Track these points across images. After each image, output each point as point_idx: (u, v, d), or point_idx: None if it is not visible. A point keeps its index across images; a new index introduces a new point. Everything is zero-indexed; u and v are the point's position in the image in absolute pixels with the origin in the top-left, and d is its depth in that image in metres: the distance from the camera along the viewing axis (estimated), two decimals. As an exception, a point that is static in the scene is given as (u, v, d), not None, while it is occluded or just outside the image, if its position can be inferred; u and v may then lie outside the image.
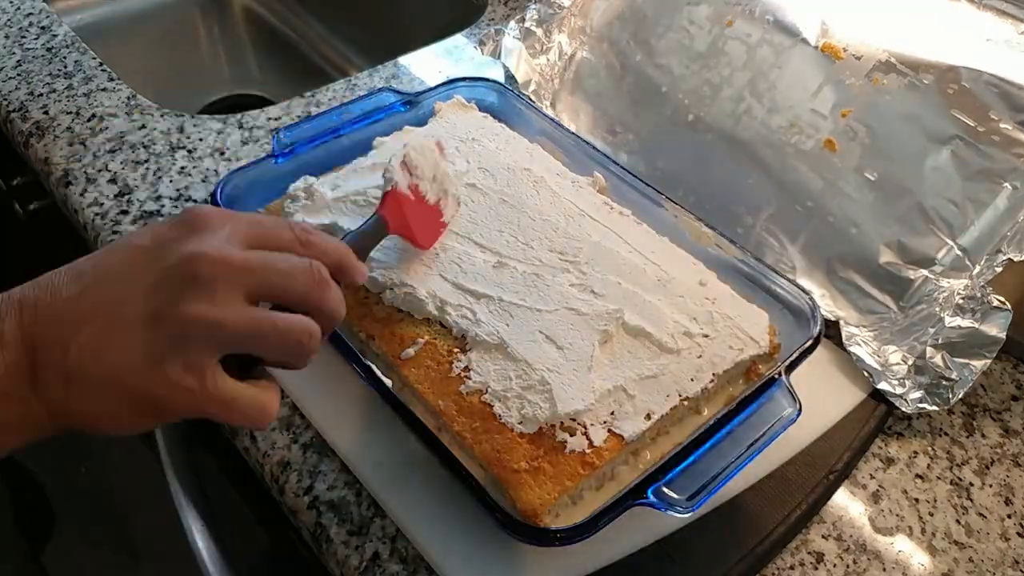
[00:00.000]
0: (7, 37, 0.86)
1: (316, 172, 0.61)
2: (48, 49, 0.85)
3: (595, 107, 0.75)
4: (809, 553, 0.49)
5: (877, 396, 0.56)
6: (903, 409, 0.55)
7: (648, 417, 0.47)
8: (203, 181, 0.70)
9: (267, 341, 0.35)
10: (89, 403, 0.33)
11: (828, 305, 0.60)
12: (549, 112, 0.75)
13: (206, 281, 0.33)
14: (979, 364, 0.54)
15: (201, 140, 0.74)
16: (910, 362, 0.55)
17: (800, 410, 0.47)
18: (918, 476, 0.54)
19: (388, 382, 0.48)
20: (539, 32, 0.79)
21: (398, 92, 0.68)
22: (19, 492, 1.19)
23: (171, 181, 0.70)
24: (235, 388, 0.34)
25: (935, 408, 0.54)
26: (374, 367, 0.49)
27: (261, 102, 1.05)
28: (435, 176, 0.53)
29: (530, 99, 0.74)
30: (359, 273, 0.41)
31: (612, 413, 0.47)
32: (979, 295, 0.54)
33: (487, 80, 0.71)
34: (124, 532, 1.14)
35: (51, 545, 1.14)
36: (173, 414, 0.34)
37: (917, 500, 0.52)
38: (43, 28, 0.88)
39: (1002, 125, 0.56)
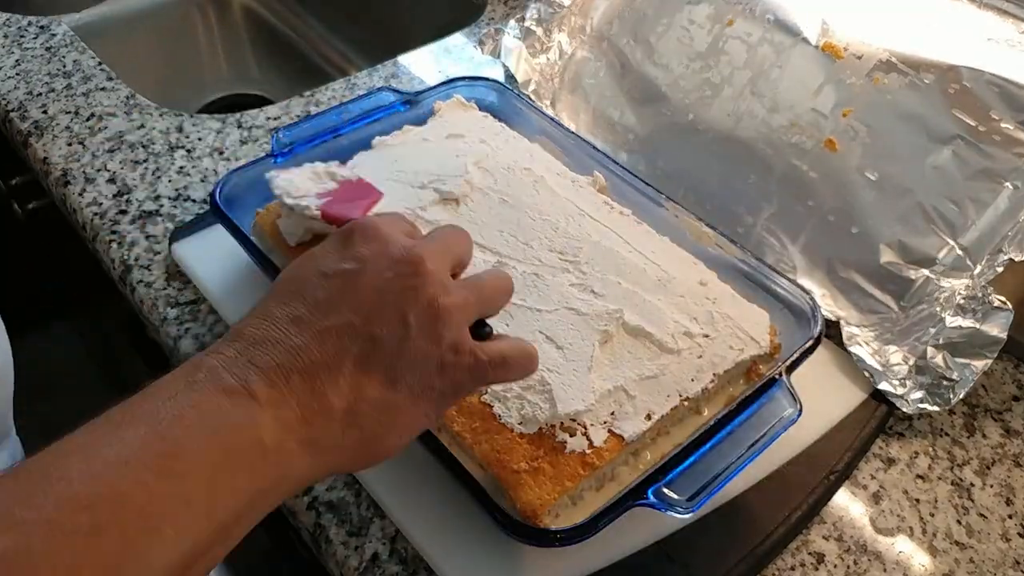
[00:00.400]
0: (6, 36, 0.86)
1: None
2: (47, 48, 0.85)
3: (595, 106, 0.75)
4: (810, 554, 0.49)
5: (878, 396, 0.56)
6: (904, 409, 0.55)
7: (648, 417, 0.47)
8: (202, 181, 0.70)
9: (489, 299, 0.38)
10: (377, 429, 0.34)
11: (829, 305, 0.60)
12: (549, 111, 0.75)
13: (436, 276, 0.36)
14: (980, 364, 0.54)
15: (200, 140, 0.74)
16: (911, 362, 0.55)
17: (801, 410, 0.47)
18: (919, 476, 0.54)
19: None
20: (539, 31, 0.79)
21: (398, 91, 0.68)
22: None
23: (170, 181, 0.70)
24: (497, 346, 0.37)
25: (936, 408, 0.54)
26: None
27: (260, 101, 1.05)
28: (314, 176, 0.55)
29: (530, 98, 0.73)
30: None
31: (612, 413, 0.47)
32: (980, 295, 0.54)
33: (487, 79, 0.70)
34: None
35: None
36: (461, 398, 0.37)
37: (918, 500, 0.52)
38: (42, 27, 0.88)
39: (1003, 125, 0.56)
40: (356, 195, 0.55)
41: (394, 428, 0.34)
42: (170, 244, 0.63)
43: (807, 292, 0.54)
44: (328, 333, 0.33)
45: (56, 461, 0.28)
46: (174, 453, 0.29)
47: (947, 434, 0.56)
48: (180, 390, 0.31)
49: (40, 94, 0.78)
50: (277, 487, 0.32)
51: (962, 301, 0.54)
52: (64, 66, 0.82)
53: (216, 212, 0.57)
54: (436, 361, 0.35)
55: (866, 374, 0.56)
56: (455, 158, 0.61)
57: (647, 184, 0.61)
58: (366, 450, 0.34)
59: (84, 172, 0.70)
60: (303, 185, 0.54)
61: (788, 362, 0.49)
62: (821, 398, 0.53)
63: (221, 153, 0.73)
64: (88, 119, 0.76)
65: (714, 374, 0.49)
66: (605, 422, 0.46)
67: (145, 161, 0.71)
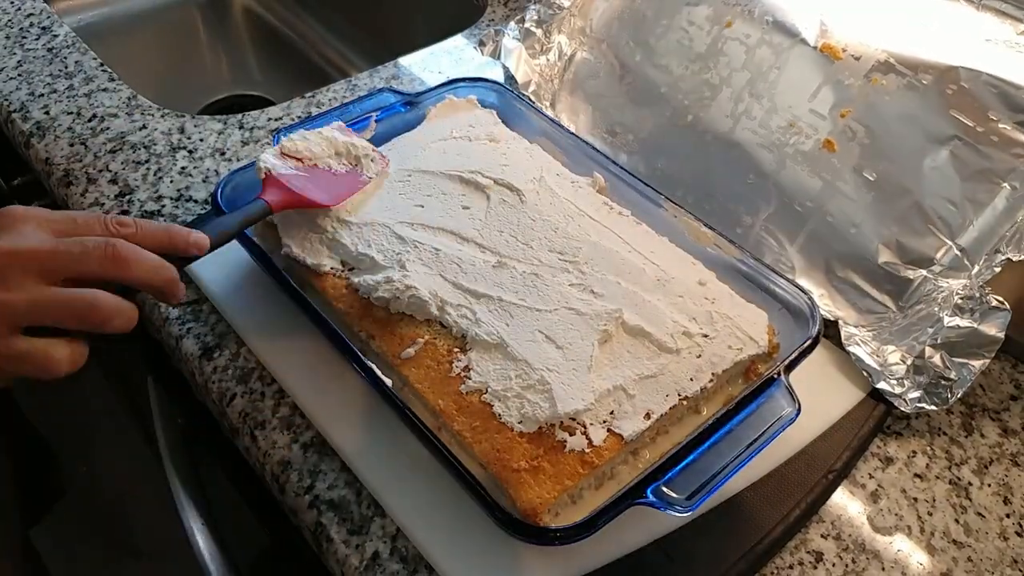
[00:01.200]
0: (8, 38, 0.87)
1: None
2: (49, 49, 0.85)
3: (595, 107, 0.75)
4: (808, 552, 0.49)
5: (876, 396, 0.56)
6: (902, 409, 0.55)
7: (647, 416, 0.47)
8: (204, 181, 0.70)
9: (52, 312, 0.40)
10: None
11: (827, 305, 0.60)
12: (549, 112, 0.76)
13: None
14: (978, 364, 0.54)
15: (202, 140, 0.74)
16: (909, 362, 0.55)
17: (799, 410, 0.47)
18: (917, 475, 0.54)
19: (388, 382, 0.48)
20: (539, 33, 0.79)
21: (398, 92, 0.68)
22: (19, 492, 1.19)
23: (172, 181, 0.70)
24: (26, 344, 0.40)
25: (934, 408, 0.54)
26: (374, 367, 0.49)
27: (262, 102, 1.05)
28: (338, 151, 0.59)
29: (530, 99, 0.74)
30: (193, 245, 0.46)
31: (612, 412, 0.47)
32: (978, 295, 0.54)
33: (487, 80, 0.71)
34: (124, 531, 1.14)
35: (51, 544, 1.14)
36: None
37: (916, 499, 0.53)
38: (44, 28, 0.88)
39: (1001, 125, 0.56)
40: (328, 188, 0.57)
41: None
42: (172, 244, 0.63)
43: (805, 292, 0.54)
44: None
45: None
46: None
47: (945, 433, 0.57)
48: None
49: (42, 95, 0.78)
50: None
51: (960, 301, 0.55)
52: (66, 67, 0.82)
53: (218, 212, 0.57)
54: None
55: (864, 374, 0.56)
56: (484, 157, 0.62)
57: (646, 184, 0.61)
58: None
59: (86, 173, 0.71)
60: (314, 150, 0.58)
61: (786, 362, 0.49)
62: (819, 397, 0.53)
63: (223, 154, 0.73)
64: (90, 120, 0.76)
65: (713, 374, 0.50)
66: (604, 421, 0.46)
67: (147, 162, 0.72)
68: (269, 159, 0.56)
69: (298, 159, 0.57)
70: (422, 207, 0.58)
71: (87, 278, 0.41)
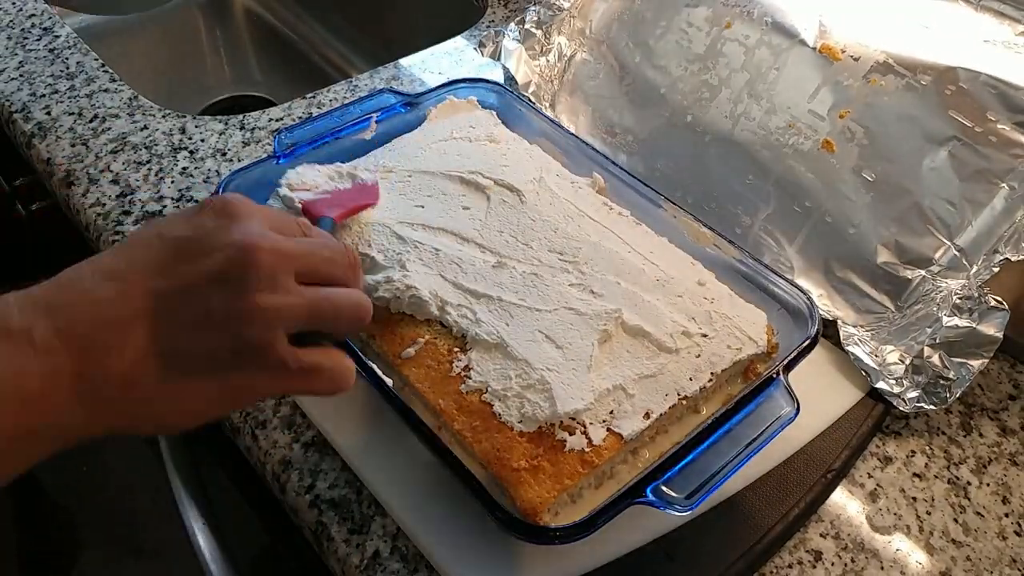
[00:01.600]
0: (9, 39, 0.87)
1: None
2: (50, 50, 0.85)
3: (594, 108, 0.75)
4: (807, 551, 0.50)
5: (875, 395, 0.56)
6: (901, 408, 0.55)
7: (647, 416, 0.47)
8: (205, 182, 0.70)
9: (327, 314, 0.36)
10: (156, 404, 0.33)
11: (826, 305, 0.60)
12: (548, 113, 0.76)
13: (268, 270, 0.34)
14: (976, 364, 0.54)
15: (203, 141, 0.75)
16: (908, 361, 0.55)
17: (798, 409, 0.47)
18: (916, 475, 0.54)
19: (389, 381, 0.48)
20: (539, 34, 0.80)
21: (399, 93, 0.68)
22: (21, 492, 1.19)
23: (173, 182, 0.70)
24: (315, 356, 0.36)
25: (933, 407, 0.54)
26: (375, 367, 0.49)
27: (262, 103, 1.05)
28: (330, 176, 0.57)
29: (530, 100, 0.74)
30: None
31: (611, 412, 0.47)
32: (976, 295, 0.54)
33: (487, 81, 0.71)
34: (125, 530, 1.14)
35: (52, 544, 1.14)
36: (256, 399, 0.35)
37: (915, 499, 0.53)
38: (45, 29, 0.89)
39: (999, 126, 0.56)
40: (356, 198, 0.56)
41: (173, 406, 0.33)
42: (173, 245, 0.63)
43: (804, 292, 0.54)
44: (134, 293, 0.33)
45: None
46: None
47: (944, 433, 0.57)
48: None
49: (43, 95, 0.79)
50: (45, 433, 0.32)
51: (958, 301, 0.55)
52: (67, 68, 0.83)
53: (219, 213, 0.57)
54: (228, 353, 0.33)
55: (863, 373, 0.56)
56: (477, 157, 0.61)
57: (646, 185, 0.61)
58: (145, 417, 0.33)
59: (87, 173, 0.71)
60: (314, 180, 0.56)
61: (785, 361, 0.49)
62: (818, 397, 0.53)
63: (224, 154, 0.73)
64: (91, 120, 0.76)
65: (712, 373, 0.50)
66: (604, 421, 0.46)
67: (148, 162, 0.72)
68: (292, 194, 0.54)
69: (307, 189, 0.56)
70: (422, 207, 0.58)
71: (326, 283, 0.37)
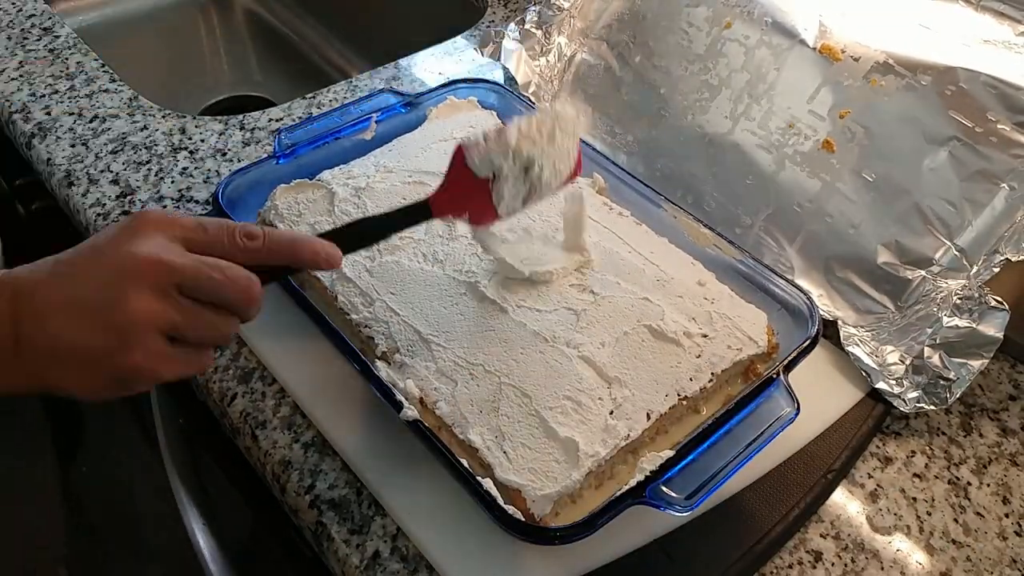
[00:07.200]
0: (9, 39, 0.87)
1: (317, 173, 0.61)
2: (50, 50, 0.85)
3: (594, 108, 0.75)
4: (807, 552, 0.50)
5: (875, 396, 0.56)
6: (901, 408, 0.55)
7: (647, 416, 0.47)
8: (205, 182, 0.70)
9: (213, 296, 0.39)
10: (65, 378, 0.38)
11: (826, 305, 0.60)
12: (549, 113, 0.76)
13: (143, 280, 0.38)
14: (976, 364, 0.54)
15: (203, 141, 0.74)
16: (908, 362, 0.55)
17: (798, 409, 0.47)
18: (916, 475, 0.54)
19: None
20: (539, 34, 0.80)
21: (399, 93, 0.68)
22: (24, 493, 1.19)
23: (173, 182, 0.70)
24: (181, 353, 0.39)
25: (933, 407, 0.54)
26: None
27: (262, 103, 1.05)
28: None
29: (530, 100, 0.74)
30: (324, 261, 0.43)
31: (611, 412, 0.47)
32: (976, 295, 0.54)
33: (487, 81, 0.71)
34: (125, 530, 1.14)
35: (53, 544, 1.14)
36: (143, 387, 0.39)
37: (915, 499, 0.53)
38: (45, 30, 0.89)
39: (1000, 126, 0.56)
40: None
41: (66, 366, 0.38)
42: (173, 245, 0.63)
43: (805, 292, 0.54)
44: (59, 266, 0.39)
45: None
46: None
47: (944, 433, 0.57)
48: None
49: (43, 96, 0.79)
50: None
51: (959, 301, 0.55)
52: (68, 68, 0.83)
53: (219, 213, 0.57)
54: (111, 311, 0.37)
55: (863, 373, 0.56)
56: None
57: (646, 185, 0.61)
58: (38, 376, 0.38)
59: (88, 173, 0.71)
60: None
61: (786, 361, 0.49)
62: (819, 397, 0.53)
63: (224, 154, 0.73)
64: (91, 120, 0.76)
65: (712, 373, 0.50)
66: (604, 420, 0.46)
67: (148, 162, 0.72)
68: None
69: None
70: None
71: (213, 302, 0.40)
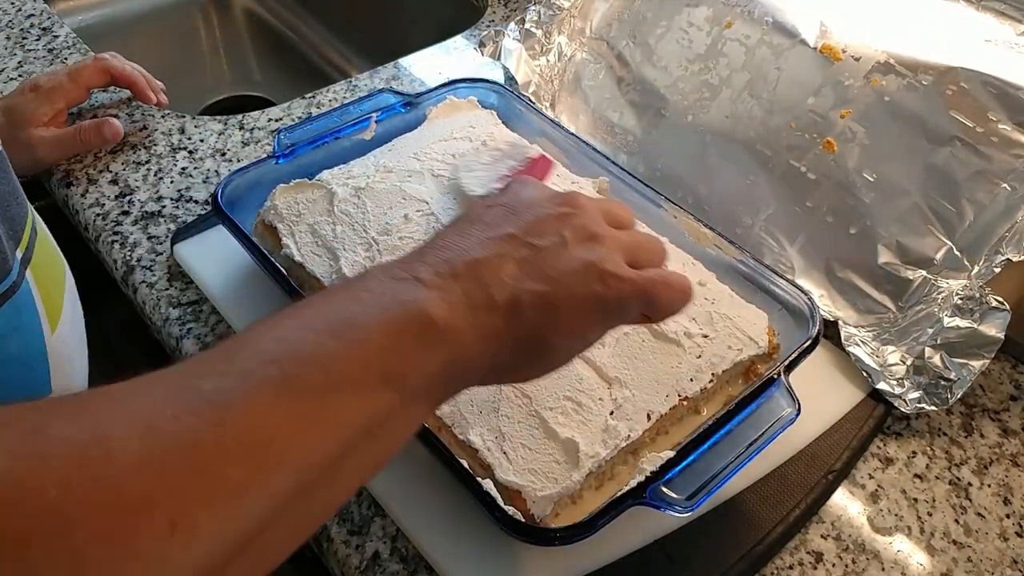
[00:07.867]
0: (8, 38, 0.87)
1: (317, 173, 0.61)
2: (49, 50, 0.85)
3: (594, 108, 0.75)
4: (808, 553, 0.49)
5: (876, 396, 0.56)
6: (902, 409, 0.55)
7: (648, 417, 0.47)
8: (204, 182, 0.70)
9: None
10: (539, 328, 0.35)
11: (827, 305, 0.60)
12: (549, 113, 0.76)
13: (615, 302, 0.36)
14: (977, 364, 0.54)
15: (202, 141, 0.74)
16: (909, 362, 0.55)
17: (799, 410, 0.47)
18: (917, 476, 0.54)
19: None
20: (539, 33, 0.80)
21: (398, 93, 0.68)
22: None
23: (172, 182, 0.70)
24: (657, 271, 0.38)
25: (934, 408, 0.54)
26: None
27: (262, 103, 1.05)
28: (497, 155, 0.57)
29: (530, 100, 0.74)
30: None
31: (612, 412, 0.47)
32: (977, 295, 0.54)
33: (487, 81, 0.71)
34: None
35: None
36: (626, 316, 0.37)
37: (916, 500, 0.53)
38: (44, 29, 0.88)
39: (1000, 126, 0.56)
40: (534, 170, 0.55)
41: (556, 327, 0.35)
42: (172, 245, 0.63)
43: (805, 292, 0.54)
44: (491, 241, 0.36)
45: (247, 335, 0.31)
46: (350, 323, 0.31)
47: (945, 434, 0.57)
48: (351, 283, 0.34)
49: (43, 96, 0.78)
50: (450, 369, 0.32)
51: (959, 301, 0.55)
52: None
53: (218, 213, 0.57)
54: (596, 272, 0.35)
55: (864, 374, 0.56)
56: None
57: (646, 185, 0.61)
58: (531, 347, 0.35)
59: (87, 173, 0.71)
60: (484, 174, 0.56)
61: (786, 362, 0.49)
62: (819, 398, 0.53)
63: (223, 154, 0.73)
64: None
65: (713, 374, 0.50)
66: (605, 420, 0.46)
67: (147, 162, 0.72)
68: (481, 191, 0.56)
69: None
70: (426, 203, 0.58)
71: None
